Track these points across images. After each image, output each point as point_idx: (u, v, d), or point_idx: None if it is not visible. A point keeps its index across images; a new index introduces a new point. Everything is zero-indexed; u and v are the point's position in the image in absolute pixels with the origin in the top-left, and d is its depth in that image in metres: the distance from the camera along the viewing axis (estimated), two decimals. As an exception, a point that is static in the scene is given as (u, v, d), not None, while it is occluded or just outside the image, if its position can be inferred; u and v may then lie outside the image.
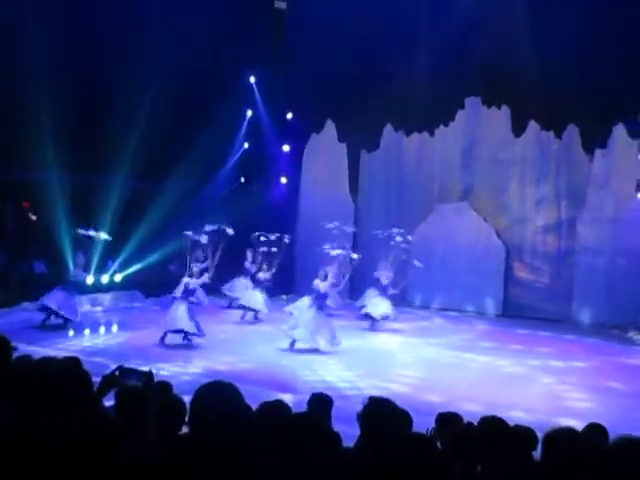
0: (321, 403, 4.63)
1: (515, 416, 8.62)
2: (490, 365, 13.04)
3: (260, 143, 20.94)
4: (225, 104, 18.38)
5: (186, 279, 13.47)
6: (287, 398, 9.07)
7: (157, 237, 17.74)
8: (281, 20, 20.88)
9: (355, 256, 15.82)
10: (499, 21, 18.44)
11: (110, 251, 17.30)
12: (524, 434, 3.68)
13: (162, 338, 13.11)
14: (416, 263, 16.97)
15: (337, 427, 4.47)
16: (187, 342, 13.17)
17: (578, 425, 4.58)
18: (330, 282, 14.09)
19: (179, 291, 13.41)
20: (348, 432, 4.06)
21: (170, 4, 16.39)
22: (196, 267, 13.94)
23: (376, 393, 9.61)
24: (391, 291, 16.52)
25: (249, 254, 17.38)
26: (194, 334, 13.11)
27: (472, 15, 18.33)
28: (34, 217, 17.54)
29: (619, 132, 18.15)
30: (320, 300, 13.88)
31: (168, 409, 3.61)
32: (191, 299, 13.76)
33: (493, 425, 3.60)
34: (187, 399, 3.27)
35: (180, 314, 13.07)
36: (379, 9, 18.36)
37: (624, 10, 16.16)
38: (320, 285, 13.94)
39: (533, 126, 19.27)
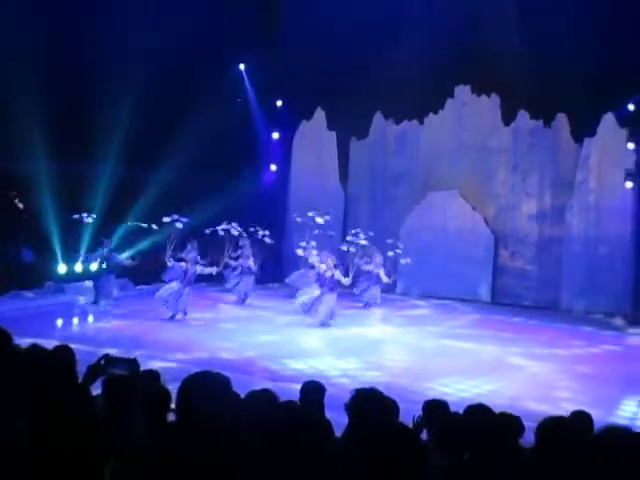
0: (314, 391, 4.65)
1: (502, 403, 8.70)
2: (479, 352, 13.11)
3: (250, 130, 20.83)
4: (215, 91, 18.26)
5: (185, 264, 14.67)
6: (277, 386, 9.12)
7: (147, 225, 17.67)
8: (272, 7, 20.72)
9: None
10: (488, 10, 18.40)
11: (100, 239, 17.25)
12: (509, 422, 3.71)
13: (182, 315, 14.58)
14: (402, 262, 17.39)
15: (328, 415, 4.51)
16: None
17: (565, 412, 4.63)
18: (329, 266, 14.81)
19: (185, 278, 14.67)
20: (339, 420, 4.09)
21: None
22: (190, 254, 14.81)
23: (366, 381, 9.68)
24: (385, 280, 16.86)
25: (245, 242, 17.33)
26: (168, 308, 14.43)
27: (461, 3, 18.30)
28: (21, 205, 17.45)
29: (608, 121, 18.16)
30: (321, 281, 14.81)
31: (155, 397, 3.61)
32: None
33: (479, 413, 3.62)
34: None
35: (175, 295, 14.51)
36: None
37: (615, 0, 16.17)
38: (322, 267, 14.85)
39: (522, 115, 19.29)
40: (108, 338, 12.34)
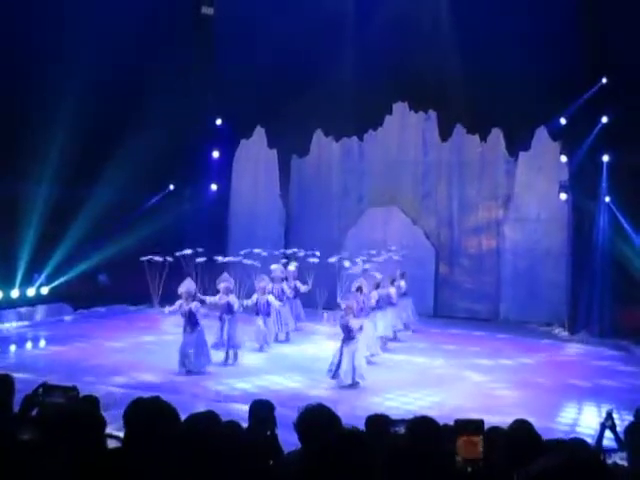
0: (263, 409, 4.60)
1: (447, 414, 8.78)
2: (422, 365, 13.23)
3: (189, 150, 20.63)
4: (153, 109, 18.04)
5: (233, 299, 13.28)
6: (221, 407, 9.02)
7: (85, 247, 17.34)
8: (209, 26, 20.68)
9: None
10: (425, 28, 18.76)
11: (36, 263, 16.83)
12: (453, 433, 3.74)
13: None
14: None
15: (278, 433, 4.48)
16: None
17: (507, 421, 4.69)
18: None
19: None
20: (288, 438, 4.07)
21: (94, 8, 16.01)
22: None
23: (313, 398, 9.64)
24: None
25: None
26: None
27: (398, 22, 18.58)
28: None
29: (541, 134, 18.69)
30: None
31: (93, 425, 3.52)
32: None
33: (422, 425, 3.66)
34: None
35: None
36: (306, 16, 18.37)
37: (545, 18, 16.65)
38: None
39: (459, 130, 19.67)
40: (47, 365, 12.03)
